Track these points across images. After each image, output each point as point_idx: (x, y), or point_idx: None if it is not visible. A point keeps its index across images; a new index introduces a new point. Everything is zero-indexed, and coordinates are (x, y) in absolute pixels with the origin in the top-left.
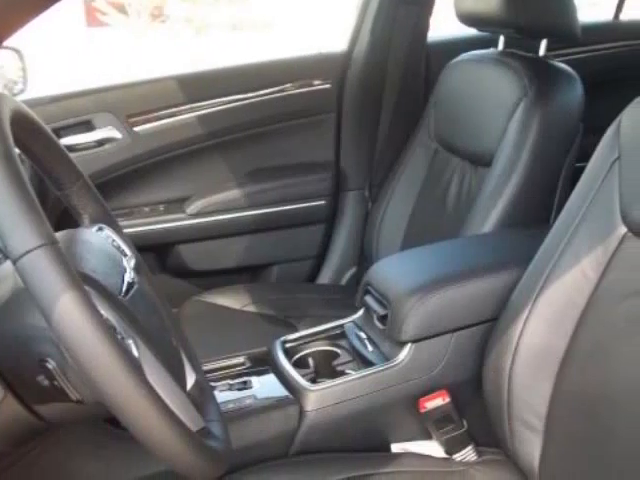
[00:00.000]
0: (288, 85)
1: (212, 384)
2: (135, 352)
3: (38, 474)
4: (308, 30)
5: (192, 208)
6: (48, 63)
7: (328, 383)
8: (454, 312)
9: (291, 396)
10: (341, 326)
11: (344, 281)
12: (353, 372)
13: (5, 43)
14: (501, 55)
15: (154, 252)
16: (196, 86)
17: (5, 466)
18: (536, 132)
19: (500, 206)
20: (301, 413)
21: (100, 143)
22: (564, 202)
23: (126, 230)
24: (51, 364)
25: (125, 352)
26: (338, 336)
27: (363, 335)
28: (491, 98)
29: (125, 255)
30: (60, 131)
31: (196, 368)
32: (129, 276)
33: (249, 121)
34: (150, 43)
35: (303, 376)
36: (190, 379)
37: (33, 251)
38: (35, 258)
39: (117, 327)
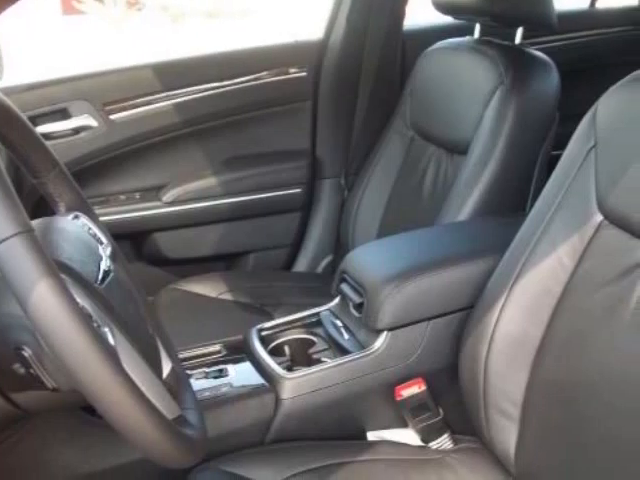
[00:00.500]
0: (264, 73)
1: (188, 372)
2: (111, 340)
3: (14, 462)
4: (284, 18)
5: (168, 196)
6: (24, 51)
7: (304, 371)
8: (430, 300)
9: (267, 384)
10: (317, 314)
11: (320, 269)
12: (329, 360)
13: None
14: (477, 43)
15: (130, 240)
16: (172, 74)
17: None
18: (512, 120)
19: (476, 194)
20: (277, 401)
21: (76, 131)
22: (540, 190)
23: (102, 218)
24: (27, 352)
25: (101, 340)
26: (314, 324)
27: (339, 323)
28: (467, 86)
29: (101, 243)
30: (36, 119)
31: (172, 356)
32: (105, 264)
33: (225, 109)
34: (126, 31)
35: (279, 364)
36: (166, 367)
37: (9, 239)
38: (11, 246)
39: (93, 315)
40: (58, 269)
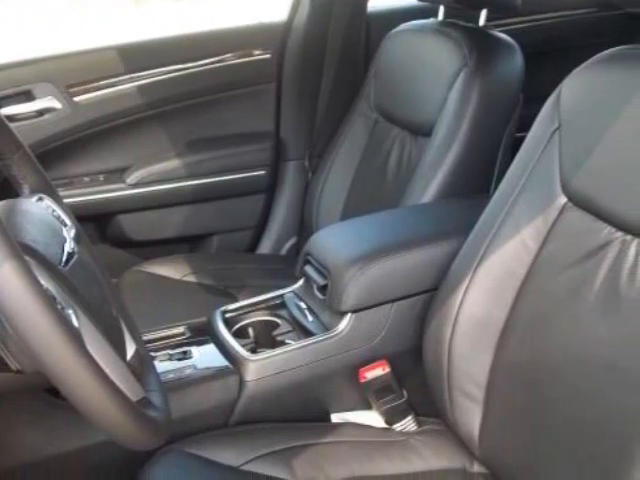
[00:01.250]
0: (228, 55)
1: (152, 354)
2: (75, 322)
3: None
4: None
5: (132, 178)
6: None
7: (268, 353)
8: (394, 282)
9: (231, 366)
10: (281, 296)
11: (284, 251)
12: (293, 342)
13: None
14: (441, 25)
15: (94, 222)
16: (136, 56)
17: None
18: (476, 102)
19: (440, 176)
20: (241, 383)
21: (40, 113)
22: (504, 172)
23: (66, 200)
24: None
25: (65, 322)
26: (278, 306)
27: (303, 305)
28: (431, 68)
29: (65, 225)
30: (0, 101)
31: (136, 338)
32: (69, 246)
33: (189, 91)
34: (88, 12)
35: (243, 346)
36: (130, 349)
37: None
38: None
39: (57, 297)
40: (22, 251)
